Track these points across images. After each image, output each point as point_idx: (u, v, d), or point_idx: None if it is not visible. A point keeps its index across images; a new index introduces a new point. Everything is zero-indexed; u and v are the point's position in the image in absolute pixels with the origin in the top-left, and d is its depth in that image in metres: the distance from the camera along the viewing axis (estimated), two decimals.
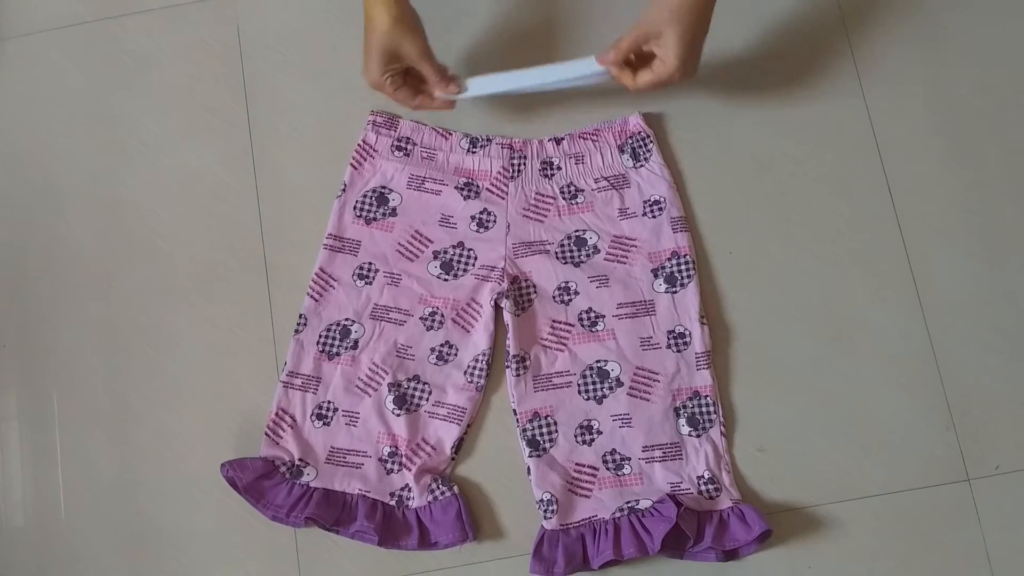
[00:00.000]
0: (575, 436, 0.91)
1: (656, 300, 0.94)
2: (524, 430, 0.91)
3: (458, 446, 0.92)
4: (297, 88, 1.03)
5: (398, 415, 0.92)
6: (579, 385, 0.92)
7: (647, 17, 0.85)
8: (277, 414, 0.93)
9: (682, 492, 0.89)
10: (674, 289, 0.94)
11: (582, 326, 0.94)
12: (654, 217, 0.96)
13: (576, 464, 0.91)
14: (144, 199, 1.01)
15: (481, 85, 0.93)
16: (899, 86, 1.00)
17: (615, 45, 0.87)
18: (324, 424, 0.93)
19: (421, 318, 0.95)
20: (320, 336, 0.94)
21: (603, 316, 0.94)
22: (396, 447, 0.92)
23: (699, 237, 0.97)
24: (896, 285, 0.96)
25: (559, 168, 0.98)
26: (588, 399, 0.92)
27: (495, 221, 0.96)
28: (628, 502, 0.88)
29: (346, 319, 0.95)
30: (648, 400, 0.92)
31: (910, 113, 1.00)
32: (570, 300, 0.94)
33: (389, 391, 0.92)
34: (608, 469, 0.90)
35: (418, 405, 0.93)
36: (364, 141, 0.99)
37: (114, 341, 0.98)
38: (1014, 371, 0.93)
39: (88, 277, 1.00)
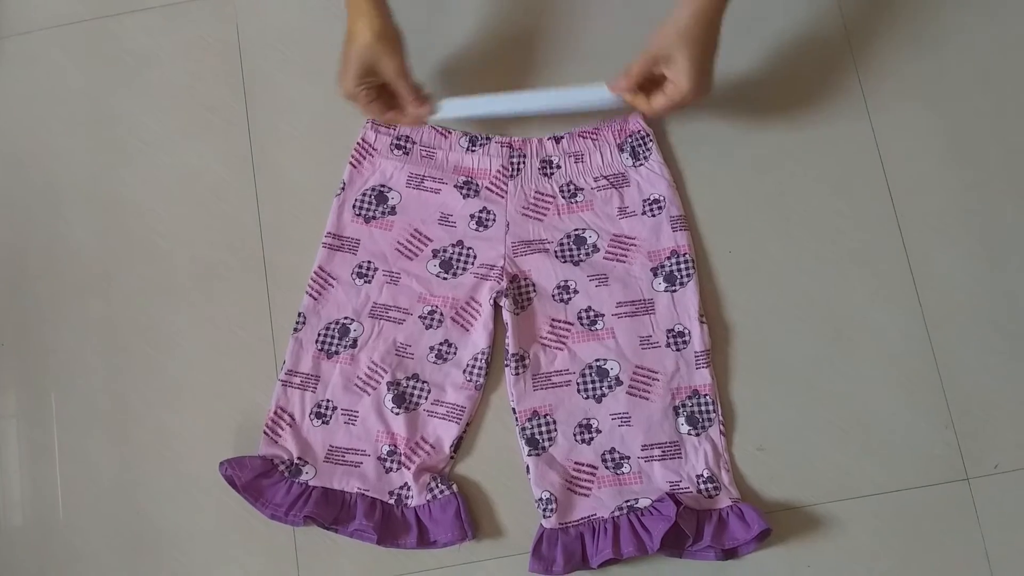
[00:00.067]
0: (574, 435, 0.91)
1: (655, 299, 0.94)
2: (523, 429, 0.91)
3: (457, 445, 0.92)
4: (297, 87, 1.03)
5: (397, 414, 0.92)
6: (578, 384, 0.92)
7: (656, 41, 0.85)
8: (276, 413, 0.93)
9: (681, 491, 0.89)
10: (673, 288, 0.94)
11: (581, 325, 0.94)
12: (653, 216, 0.96)
13: (575, 463, 0.91)
14: (144, 198, 1.01)
15: (455, 107, 0.94)
16: (899, 86, 1.00)
17: (626, 72, 0.88)
18: (323, 423, 0.93)
19: (420, 317, 0.95)
20: (319, 335, 0.94)
21: (602, 315, 0.94)
22: (395, 446, 0.91)
23: (698, 236, 0.97)
24: (896, 285, 0.96)
25: (558, 167, 0.98)
26: (587, 398, 0.92)
27: (494, 220, 0.96)
28: (627, 501, 0.88)
29: (345, 318, 0.95)
30: (647, 399, 0.92)
31: (910, 113, 1.00)
32: (569, 299, 0.94)
33: (388, 390, 0.92)
34: (607, 468, 0.90)
35: (417, 404, 0.93)
36: (363, 139, 0.99)
37: (113, 340, 0.98)
38: (1013, 370, 0.93)
39: (88, 276, 1.00)
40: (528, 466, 0.90)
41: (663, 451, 0.90)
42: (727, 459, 0.91)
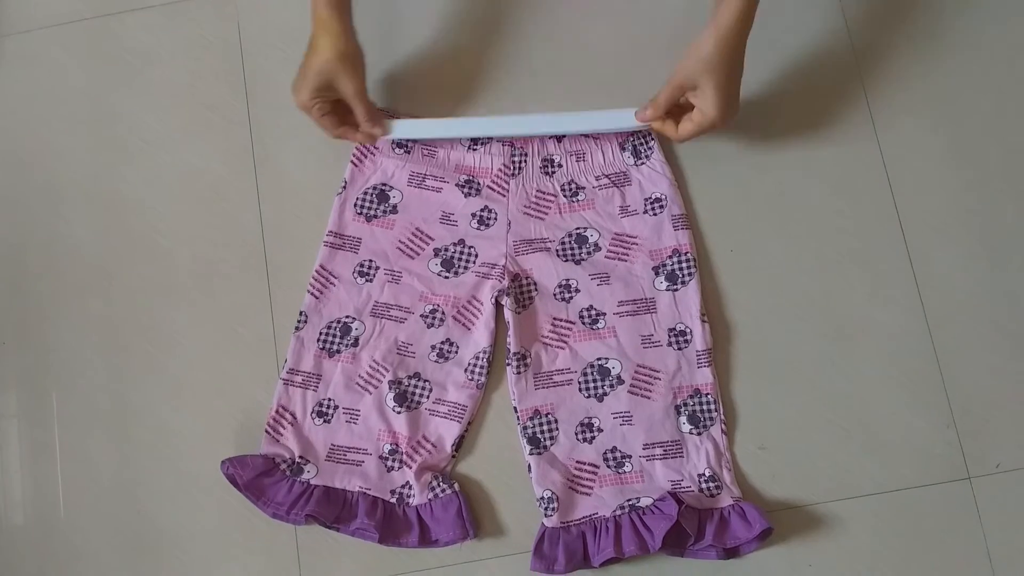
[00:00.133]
0: (576, 434, 0.91)
1: (657, 298, 0.94)
2: (525, 428, 0.91)
3: (459, 444, 0.92)
4: None
5: (399, 412, 0.92)
6: (580, 383, 0.92)
7: (681, 70, 0.86)
8: (277, 411, 0.93)
9: (683, 490, 0.89)
10: (675, 287, 0.94)
11: (583, 324, 0.94)
12: (655, 215, 0.96)
13: (577, 462, 0.90)
14: (144, 196, 1.01)
15: (407, 129, 0.96)
16: (902, 85, 1.00)
17: (653, 102, 0.90)
18: (324, 421, 0.93)
19: (422, 315, 0.95)
20: (321, 333, 0.94)
21: (604, 314, 0.94)
22: (397, 444, 0.91)
23: (700, 235, 0.97)
24: (897, 284, 0.96)
25: (560, 165, 0.98)
26: (589, 397, 0.92)
27: (496, 218, 0.96)
28: (629, 500, 0.88)
29: (347, 316, 0.95)
30: (649, 398, 0.91)
31: (912, 111, 1.00)
32: (571, 298, 0.94)
33: (390, 388, 0.92)
34: (609, 467, 0.90)
35: (419, 403, 0.93)
36: None
37: (114, 339, 0.98)
38: (1015, 370, 0.94)
39: (88, 275, 0.99)
40: (529, 465, 0.90)
41: (665, 450, 0.90)
42: (729, 458, 0.91)
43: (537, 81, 1.02)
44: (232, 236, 0.99)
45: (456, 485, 0.90)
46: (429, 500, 0.90)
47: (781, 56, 1.01)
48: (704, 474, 0.90)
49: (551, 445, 0.91)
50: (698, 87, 0.86)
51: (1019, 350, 0.94)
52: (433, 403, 0.93)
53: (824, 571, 0.90)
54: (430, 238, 0.96)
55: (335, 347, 0.94)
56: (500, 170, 0.97)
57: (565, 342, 0.93)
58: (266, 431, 0.92)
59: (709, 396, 0.92)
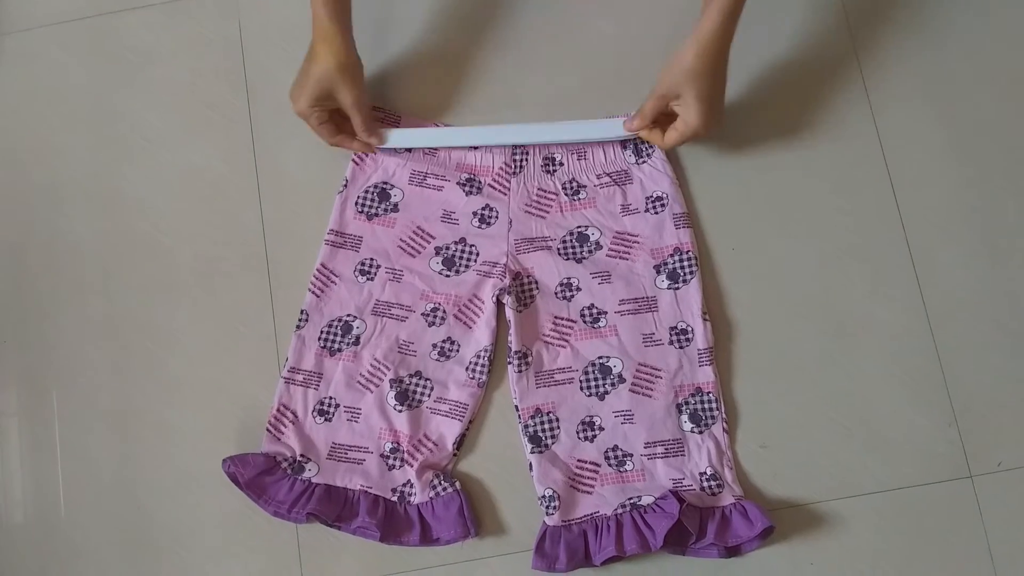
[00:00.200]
0: (577, 432, 0.91)
1: (658, 296, 0.94)
2: (526, 426, 0.91)
3: (460, 442, 0.92)
4: None
5: (400, 411, 0.92)
6: (581, 381, 0.92)
7: (664, 80, 0.88)
8: (279, 410, 0.93)
9: (684, 488, 0.89)
10: (676, 285, 0.94)
11: (584, 322, 0.94)
12: (656, 213, 0.96)
13: (578, 460, 0.90)
14: (145, 195, 1.01)
15: (403, 138, 0.97)
16: (902, 81, 1.00)
17: (639, 112, 0.92)
18: (326, 420, 0.92)
19: (423, 314, 0.94)
20: (322, 332, 0.94)
21: (605, 312, 0.94)
22: (398, 443, 0.91)
23: (701, 233, 0.97)
24: (899, 282, 0.96)
25: (561, 164, 0.97)
26: (590, 395, 0.92)
27: (497, 217, 0.96)
28: (630, 498, 0.88)
29: (348, 315, 0.94)
30: (650, 396, 0.91)
31: (913, 109, 1.00)
32: (572, 296, 0.94)
33: (391, 387, 0.92)
34: (610, 465, 0.90)
35: (420, 401, 0.93)
36: None
37: (115, 337, 0.98)
38: (1016, 368, 0.93)
39: (89, 273, 0.99)
40: (531, 463, 0.90)
41: (666, 449, 0.90)
42: (730, 456, 0.91)
43: (536, 81, 1.01)
44: (233, 234, 0.99)
45: (457, 483, 0.90)
46: (430, 498, 0.90)
47: (781, 53, 1.01)
48: (705, 472, 0.90)
49: (552, 444, 0.91)
50: (681, 97, 0.87)
51: (1021, 348, 0.94)
52: (434, 402, 0.92)
53: (826, 569, 0.90)
54: (431, 236, 0.96)
55: (336, 345, 0.94)
56: (501, 168, 0.97)
57: (566, 341, 0.93)
58: (267, 429, 0.92)
59: (710, 394, 0.92)
